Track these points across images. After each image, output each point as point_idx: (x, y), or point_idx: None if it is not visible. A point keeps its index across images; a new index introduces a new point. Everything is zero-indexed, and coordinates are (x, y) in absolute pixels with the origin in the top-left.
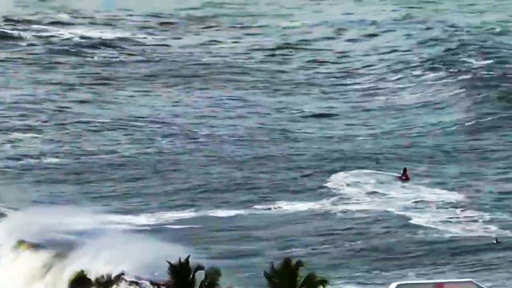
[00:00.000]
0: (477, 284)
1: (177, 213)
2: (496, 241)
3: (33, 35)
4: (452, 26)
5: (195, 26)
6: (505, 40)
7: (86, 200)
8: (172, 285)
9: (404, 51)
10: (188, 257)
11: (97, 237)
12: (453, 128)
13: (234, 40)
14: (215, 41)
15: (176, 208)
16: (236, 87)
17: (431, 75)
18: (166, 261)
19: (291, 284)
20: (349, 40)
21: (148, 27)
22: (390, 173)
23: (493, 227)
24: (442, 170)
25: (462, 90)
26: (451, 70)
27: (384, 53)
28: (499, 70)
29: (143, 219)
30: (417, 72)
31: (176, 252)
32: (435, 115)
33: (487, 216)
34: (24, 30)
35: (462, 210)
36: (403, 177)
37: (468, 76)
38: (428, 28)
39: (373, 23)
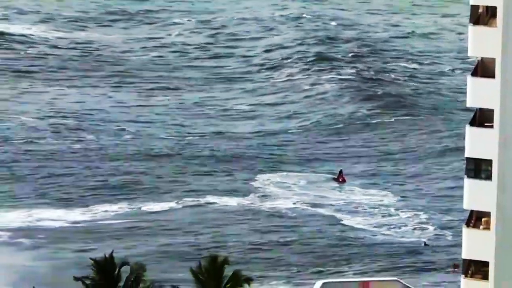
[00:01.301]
0: (402, 282)
1: (111, 207)
2: (425, 244)
3: None
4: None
5: (119, 22)
6: (401, 43)
7: (19, 196)
8: (97, 281)
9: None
10: (112, 252)
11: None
12: (375, 121)
13: (162, 37)
14: (143, 38)
15: (109, 202)
16: (167, 83)
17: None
18: (90, 258)
19: (216, 281)
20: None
21: (73, 23)
22: (325, 174)
23: (426, 228)
24: (376, 170)
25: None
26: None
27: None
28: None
29: (77, 215)
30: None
31: (107, 248)
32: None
33: (421, 217)
34: None
35: (395, 210)
36: (340, 179)
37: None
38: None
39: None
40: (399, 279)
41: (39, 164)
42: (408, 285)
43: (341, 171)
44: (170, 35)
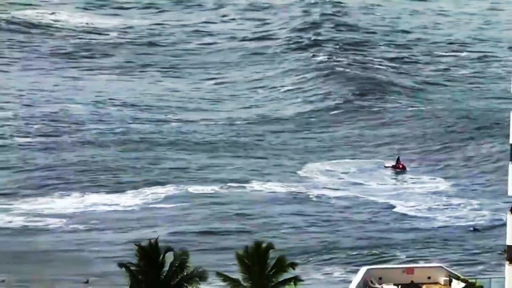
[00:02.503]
0: (446, 269)
1: (157, 189)
2: (474, 229)
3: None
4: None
5: (168, 6)
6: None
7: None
8: (142, 267)
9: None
10: (157, 238)
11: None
12: (416, 108)
13: (206, 21)
14: (189, 23)
15: (156, 186)
16: (213, 67)
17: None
18: (134, 243)
19: (261, 267)
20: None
21: (122, 10)
22: (382, 161)
23: (478, 214)
24: (430, 157)
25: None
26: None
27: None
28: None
29: (129, 199)
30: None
31: (153, 234)
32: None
33: (473, 203)
34: None
35: (447, 198)
36: (399, 166)
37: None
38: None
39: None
40: (443, 266)
41: (87, 150)
42: (452, 271)
43: (398, 158)
44: (223, 16)
